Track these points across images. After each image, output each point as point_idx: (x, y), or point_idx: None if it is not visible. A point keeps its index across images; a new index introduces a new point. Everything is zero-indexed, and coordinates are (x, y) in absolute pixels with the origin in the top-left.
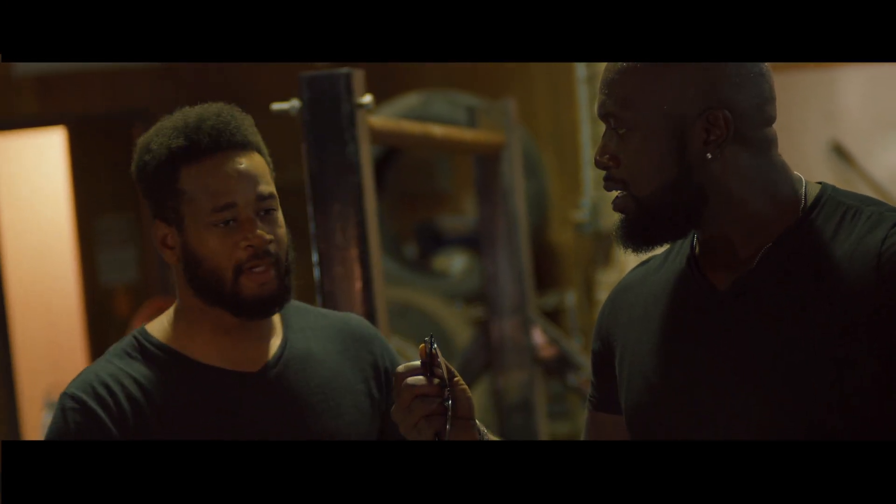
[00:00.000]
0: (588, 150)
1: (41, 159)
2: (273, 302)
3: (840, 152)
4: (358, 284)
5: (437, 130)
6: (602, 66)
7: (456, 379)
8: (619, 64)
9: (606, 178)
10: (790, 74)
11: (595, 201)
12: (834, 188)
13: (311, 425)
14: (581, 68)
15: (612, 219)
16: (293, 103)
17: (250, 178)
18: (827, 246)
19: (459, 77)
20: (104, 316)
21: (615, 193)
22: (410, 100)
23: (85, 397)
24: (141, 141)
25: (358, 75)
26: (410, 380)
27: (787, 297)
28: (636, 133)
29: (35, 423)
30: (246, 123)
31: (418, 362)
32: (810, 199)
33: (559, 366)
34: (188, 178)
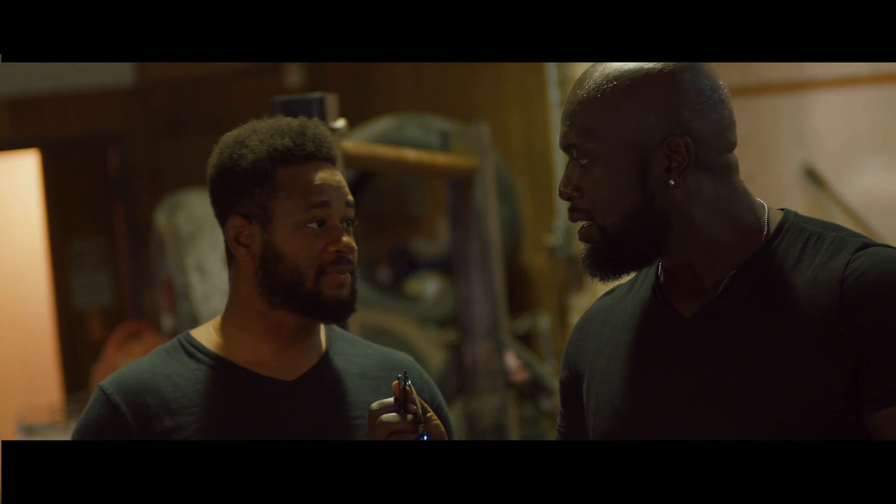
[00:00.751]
0: (561, 174)
1: (14, 182)
2: (346, 306)
3: (812, 176)
4: None
5: (411, 155)
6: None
7: (429, 414)
8: (579, 94)
9: (571, 210)
10: (762, 99)
11: (568, 225)
12: (796, 215)
13: (340, 438)
14: (554, 92)
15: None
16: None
17: (342, 188)
18: (790, 272)
19: (432, 101)
20: (77, 339)
21: (581, 223)
22: (383, 124)
23: (113, 391)
24: (227, 138)
25: (331, 99)
26: (385, 417)
27: (751, 324)
28: (598, 163)
29: None
30: (335, 143)
31: (391, 399)
32: (773, 225)
33: (532, 390)
34: (287, 177)
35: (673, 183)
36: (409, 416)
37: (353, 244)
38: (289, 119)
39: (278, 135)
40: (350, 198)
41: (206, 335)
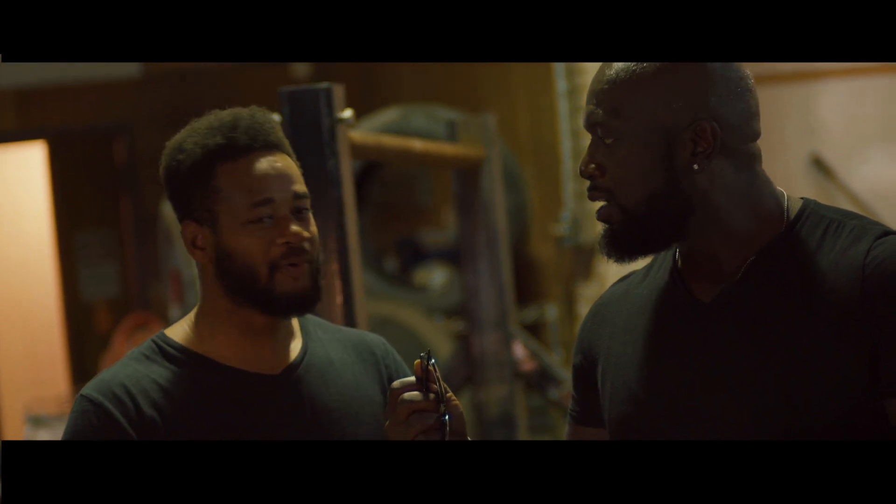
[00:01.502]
0: (568, 164)
1: (21, 174)
2: (307, 299)
3: (820, 166)
4: (339, 298)
5: (418, 145)
6: (585, 78)
7: (449, 395)
8: (608, 74)
9: (591, 188)
10: (770, 88)
11: (575, 215)
12: (816, 202)
13: (331, 431)
14: (561, 82)
15: (592, 232)
16: (274, 117)
17: (286, 177)
18: (810, 258)
19: (439, 91)
20: (84, 330)
21: (598, 205)
22: (390, 114)
23: (102, 399)
24: (171, 142)
25: (338, 90)
26: (407, 395)
27: (771, 309)
28: (623, 142)
29: (16, 438)
30: (276, 125)
31: (413, 378)
32: (793, 212)
33: (540, 379)
34: (224, 175)
35: (697, 167)
36: (431, 396)
37: (304, 232)
38: (223, 113)
39: (210, 133)
40: (299, 187)
41: (183, 334)
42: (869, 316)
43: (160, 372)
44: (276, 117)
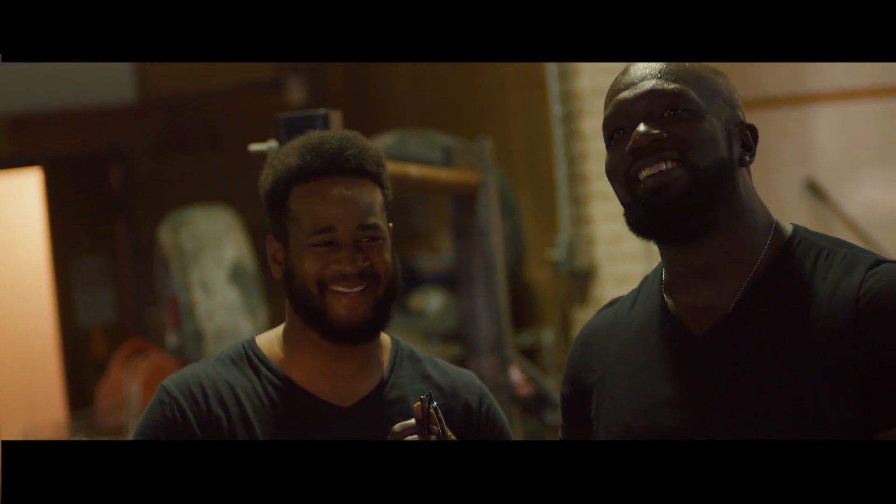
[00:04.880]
0: (564, 189)
1: (17, 200)
2: (363, 329)
3: (814, 189)
4: None
5: (414, 170)
6: (580, 104)
7: (449, 435)
8: (664, 65)
9: (651, 153)
10: (764, 112)
11: (571, 239)
12: (806, 230)
13: None
14: (556, 107)
15: (587, 257)
16: (271, 144)
17: (355, 205)
18: (803, 289)
19: (435, 117)
20: (81, 356)
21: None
22: (386, 140)
23: (178, 394)
24: (269, 157)
25: (335, 116)
26: (408, 438)
27: (764, 343)
28: (697, 112)
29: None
30: (369, 153)
31: (412, 421)
32: (784, 238)
33: (536, 404)
34: (297, 196)
35: (748, 159)
36: (433, 438)
37: (363, 262)
38: (315, 134)
39: (294, 153)
40: (367, 219)
41: (269, 346)
42: (863, 348)
43: (238, 379)
44: (274, 144)
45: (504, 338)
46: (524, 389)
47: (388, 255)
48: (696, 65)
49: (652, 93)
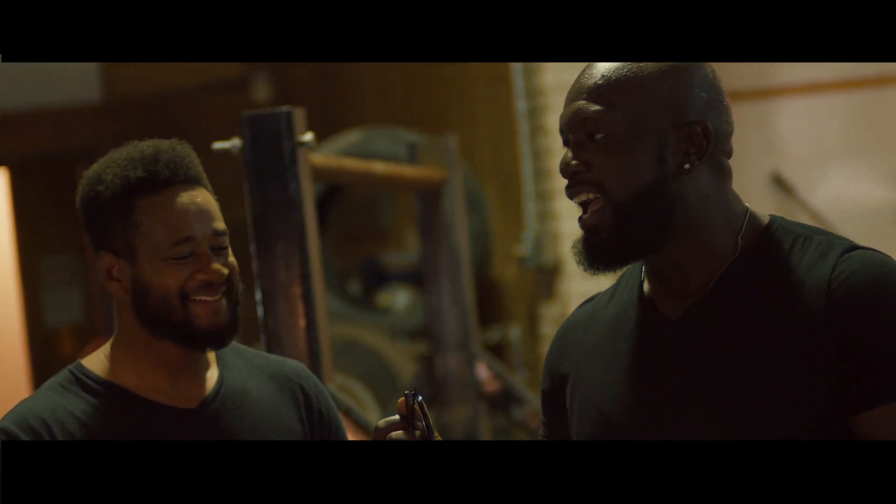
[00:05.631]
0: (530, 185)
1: None
2: (226, 332)
3: (780, 183)
4: (302, 322)
5: (379, 167)
6: (545, 99)
7: (435, 433)
8: (600, 71)
9: (574, 185)
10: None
11: (537, 235)
12: (783, 219)
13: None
14: (522, 103)
15: (554, 253)
16: (235, 142)
17: (206, 214)
18: (777, 274)
19: (400, 113)
20: (49, 356)
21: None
22: (351, 137)
23: (18, 432)
24: (89, 173)
25: (299, 113)
26: (394, 434)
27: (737, 326)
28: (617, 137)
29: None
30: (196, 159)
31: (397, 416)
32: (760, 228)
33: (504, 400)
34: (145, 210)
35: (688, 167)
36: (418, 433)
37: (224, 270)
38: (143, 145)
39: (131, 165)
40: (218, 224)
41: (100, 364)
42: (836, 331)
43: (76, 403)
44: (237, 142)
45: (471, 334)
46: (491, 386)
47: (233, 260)
48: (644, 66)
49: (577, 115)
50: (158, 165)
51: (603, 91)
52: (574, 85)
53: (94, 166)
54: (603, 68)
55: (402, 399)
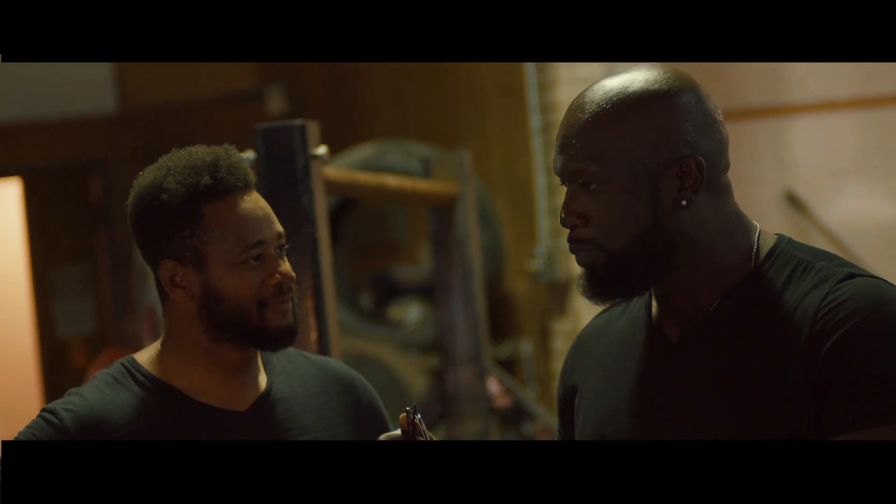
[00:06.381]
0: (543, 200)
1: None
2: (294, 332)
3: (793, 201)
4: (313, 335)
5: (392, 181)
6: (559, 115)
7: None
8: (579, 119)
9: (574, 240)
10: (742, 123)
11: (550, 250)
12: (790, 241)
13: None
14: (535, 118)
15: (566, 268)
16: (248, 155)
17: (270, 217)
18: (774, 300)
19: (414, 127)
20: (60, 367)
21: (574, 243)
22: (365, 150)
23: (64, 414)
24: (144, 181)
25: (312, 126)
26: None
27: (730, 350)
28: (607, 186)
29: None
30: (248, 165)
31: (398, 432)
32: (765, 250)
33: (514, 415)
34: (213, 215)
35: (685, 203)
36: None
37: (291, 271)
38: (200, 152)
39: (195, 173)
40: (280, 227)
41: (151, 363)
42: (816, 357)
43: (128, 398)
44: (251, 155)
45: (482, 349)
46: (502, 401)
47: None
48: (627, 99)
49: (566, 166)
50: (221, 171)
51: (585, 142)
52: (562, 127)
53: (148, 175)
54: (581, 116)
55: (403, 415)
